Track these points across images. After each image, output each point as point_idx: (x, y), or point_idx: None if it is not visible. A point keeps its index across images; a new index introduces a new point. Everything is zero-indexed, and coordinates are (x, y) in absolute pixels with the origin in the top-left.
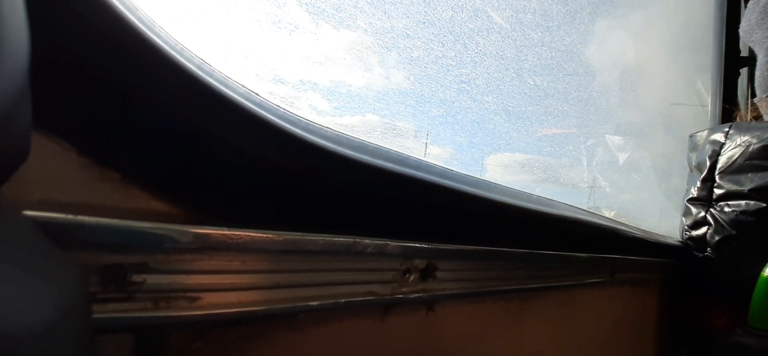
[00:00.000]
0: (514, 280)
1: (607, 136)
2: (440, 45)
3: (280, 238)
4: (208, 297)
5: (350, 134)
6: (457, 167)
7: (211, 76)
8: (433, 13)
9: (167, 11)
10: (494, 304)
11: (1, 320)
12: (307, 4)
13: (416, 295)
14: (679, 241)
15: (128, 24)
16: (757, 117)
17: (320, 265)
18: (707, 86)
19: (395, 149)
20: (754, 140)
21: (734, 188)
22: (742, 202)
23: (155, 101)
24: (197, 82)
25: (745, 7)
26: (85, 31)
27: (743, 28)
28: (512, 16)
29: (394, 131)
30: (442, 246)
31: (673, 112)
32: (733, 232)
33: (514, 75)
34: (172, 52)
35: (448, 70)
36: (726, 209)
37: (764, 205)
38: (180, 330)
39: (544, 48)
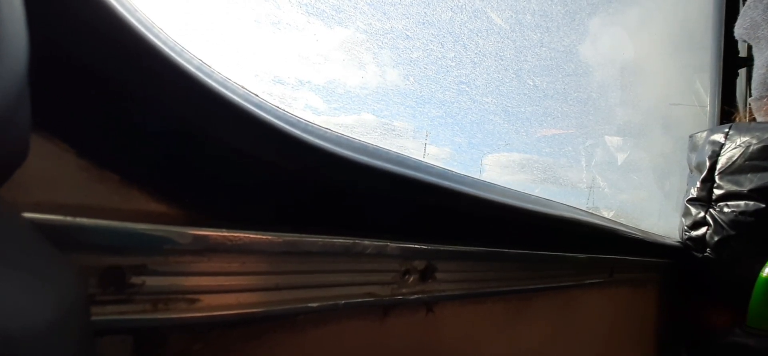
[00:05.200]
0: (513, 281)
1: (605, 136)
2: (440, 46)
3: (280, 239)
4: (208, 299)
5: (349, 134)
6: (456, 167)
7: (210, 77)
8: (433, 14)
9: (165, 12)
10: (493, 305)
11: (0, 322)
12: (306, 4)
13: (416, 296)
14: (678, 241)
15: (127, 25)
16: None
17: (320, 266)
18: (706, 87)
19: (394, 150)
20: (754, 141)
21: (734, 188)
22: (742, 202)
23: (154, 102)
24: (196, 84)
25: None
26: (84, 33)
27: (743, 26)
28: (512, 17)
29: (393, 132)
30: (442, 247)
31: (671, 112)
32: (733, 232)
33: (514, 76)
34: (172, 54)
35: (447, 71)
36: (725, 209)
37: (764, 205)
38: (179, 332)
39: (544, 49)
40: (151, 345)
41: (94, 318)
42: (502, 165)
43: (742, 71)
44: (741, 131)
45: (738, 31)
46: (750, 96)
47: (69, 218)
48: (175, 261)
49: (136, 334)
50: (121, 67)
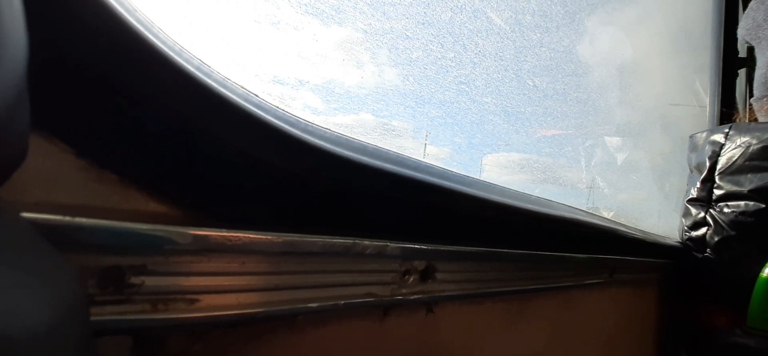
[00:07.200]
0: (513, 281)
1: (605, 137)
2: (439, 46)
3: (280, 239)
4: (207, 299)
5: (349, 134)
6: (455, 167)
7: (209, 77)
8: (433, 14)
9: (165, 12)
10: (493, 305)
11: None
12: (306, 4)
13: (416, 296)
14: (678, 242)
15: (127, 25)
16: (756, 119)
17: (320, 266)
18: (705, 87)
19: (394, 150)
20: (754, 141)
21: (734, 188)
22: (742, 203)
23: (154, 102)
24: (196, 83)
25: (743, 7)
26: (83, 33)
27: (745, 28)
28: (511, 17)
29: (392, 132)
30: (442, 247)
31: (671, 112)
32: (733, 233)
33: (514, 76)
34: (171, 54)
35: (447, 71)
36: (725, 209)
37: (764, 206)
38: (179, 332)
39: (544, 49)
40: (151, 346)
41: (93, 318)
42: (501, 165)
43: (742, 72)
44: (741, 132)
45: (741, 32)
46: (751, 96)
47: (68, 218)
48: (175, 261)
49: (135, 334)
50: (120, 67)
